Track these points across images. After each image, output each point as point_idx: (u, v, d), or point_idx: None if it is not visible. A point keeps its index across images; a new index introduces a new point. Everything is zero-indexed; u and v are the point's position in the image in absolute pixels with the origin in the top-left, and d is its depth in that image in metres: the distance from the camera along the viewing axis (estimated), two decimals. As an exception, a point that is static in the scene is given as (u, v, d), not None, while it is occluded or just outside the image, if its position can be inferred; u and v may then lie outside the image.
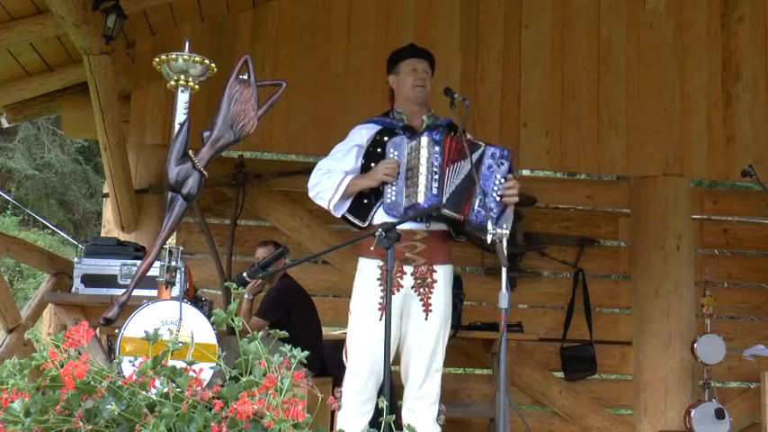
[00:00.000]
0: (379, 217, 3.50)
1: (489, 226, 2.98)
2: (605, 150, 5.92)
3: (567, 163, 5.99)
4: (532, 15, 6.01)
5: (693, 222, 5.98)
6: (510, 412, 4.30)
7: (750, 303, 6.23)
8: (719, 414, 5.28)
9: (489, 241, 2.97)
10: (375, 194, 3.54)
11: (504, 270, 2.94)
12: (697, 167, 5.98)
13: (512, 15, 6.00)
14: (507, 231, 2.96)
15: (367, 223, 3.53)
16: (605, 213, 6.28)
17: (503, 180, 3.43)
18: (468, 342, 5.55)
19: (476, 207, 3.37)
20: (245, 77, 2.87)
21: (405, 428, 2.10)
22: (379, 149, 3.58)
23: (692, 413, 5.32)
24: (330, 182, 3.53)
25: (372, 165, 3.55)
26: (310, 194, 3.61)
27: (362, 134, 3.65)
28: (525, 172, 7.82)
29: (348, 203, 3.56)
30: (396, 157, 3.49)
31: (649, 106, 5.96)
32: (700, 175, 6.24)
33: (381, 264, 3.46)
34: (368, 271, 3.52)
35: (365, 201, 3.55)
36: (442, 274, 3.53)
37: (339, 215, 3.58)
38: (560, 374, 5.95)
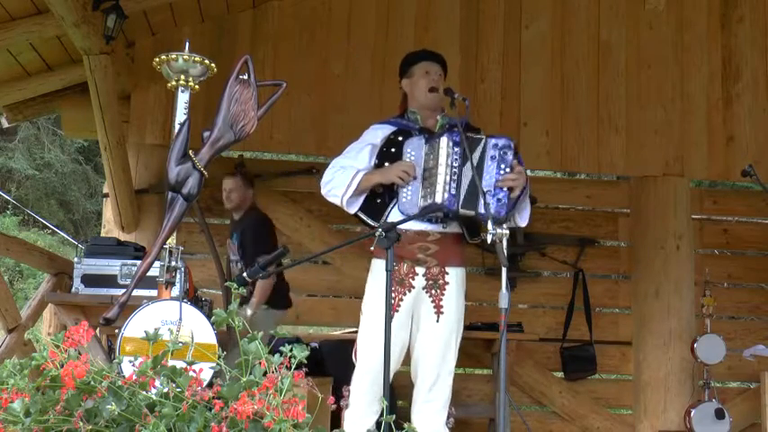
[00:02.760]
0: (394, 217, 3.47)
1: (489, 226, 2.98)
2: (605, 150, 5.92)
3: (566, 163, 5.98)
4: (532, 15, 6.01)
5: (693, 222, 5.98)
6: (510, 412, 4.31)
7: (750, 303, 6.23)
8: (719, 414, 5.28)
9: (489, 241, 2.97)
10: (389, 194, 3.53)
11: (504, 270, 2.95)
12: (697, 167, 5.97)
13: (512, 15, 6.00)
14: (507, 231, 2.96)
15: (381, 223, 3.53)
16: (605, 213, 6.28)
17: (507, 170, 3.39)
18: (469, 342, 5.52)
19: (483, 201, 3.35)
20: (245, 77, 2.87)
21: (405, 428, 2.10)
22: (393, 149, 3.57)
23: (692, 413, 5.32)
24: (342, 178, 3.52)
25: (386, 164, 3.54)
26: (323, 192, 3.59)
27: (377, 134, 3.63)
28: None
29: (361, 201, 3.54)
30: (412, 159, 3.48)
31: (649, 106, 5.95)
32: (700, 175, 6.24)
33: (394, 265, 3.47)
34: (380, 272, 3.51)
35: (378, 200, 3.54)
36: (455, 277, 3.52)
37: (353, 212, 3.56)
38: (560, 374, 5.95)
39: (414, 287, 3.46)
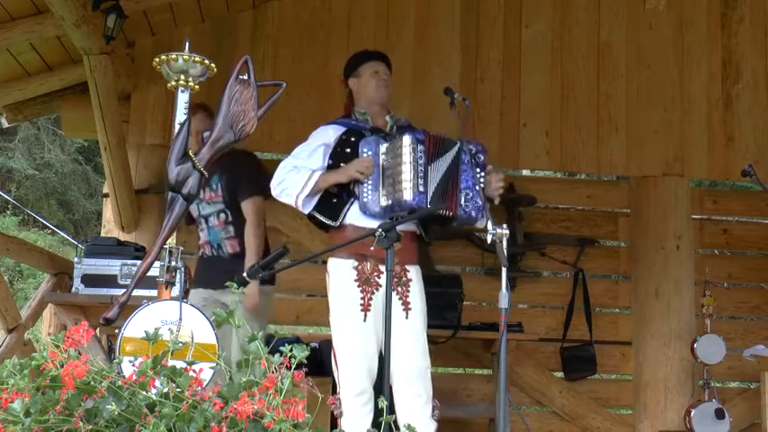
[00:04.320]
0: (353, 216, 3.52)
1: (489, 226, 2.99)
2: (605, 150, 5.92)
3: (567, 163, 5.99)
4: (532, 15, 6.01)
5: (693, 222, 5.98)
6: (510, 412, 4.31)
7: (750, 303, 6.22)
8: (719, 414, 5.28)
9: (489, 241, 2.98)
10: (345, 193, 3.55)
11: (504, 270, 2.95)
12: (697, 167, 5.97)
13: (512, 15, 6.00)
14: (507, 231, 2.97)
15: (339, 222, 3.55)
16: (605, 213, 6.27)
17: (482, 173, 3.51)
18: (468, 342, 5.55)
19: (462, 202, 3.44)
20: (246, 78, 2.87)
21: (404, 428, 2.10)
22: (348, 149, 3.58)
23: (692, 413, 5.32)
24: (297, 178, 3.52)
25: (342, 165, 3.55)
26: (274, 193, 3.60)
27: (329, 134, 3.65)
28: (525, 172, 7.82)
29: (315, 201, 3.56)
30: (369, 157, 3.51)
31: (649, 106, 5.96)
32: (700, 175, 6.23)
33: (356, 264, 3.50)
34: (342, 273, 3.54)
35: (334, 200, 3.55)
36: (415, 274, 3.59)
37: (307, 212, 3.58)
38: (560, 374, 5.94)
39: (380, 285, 3.48)
